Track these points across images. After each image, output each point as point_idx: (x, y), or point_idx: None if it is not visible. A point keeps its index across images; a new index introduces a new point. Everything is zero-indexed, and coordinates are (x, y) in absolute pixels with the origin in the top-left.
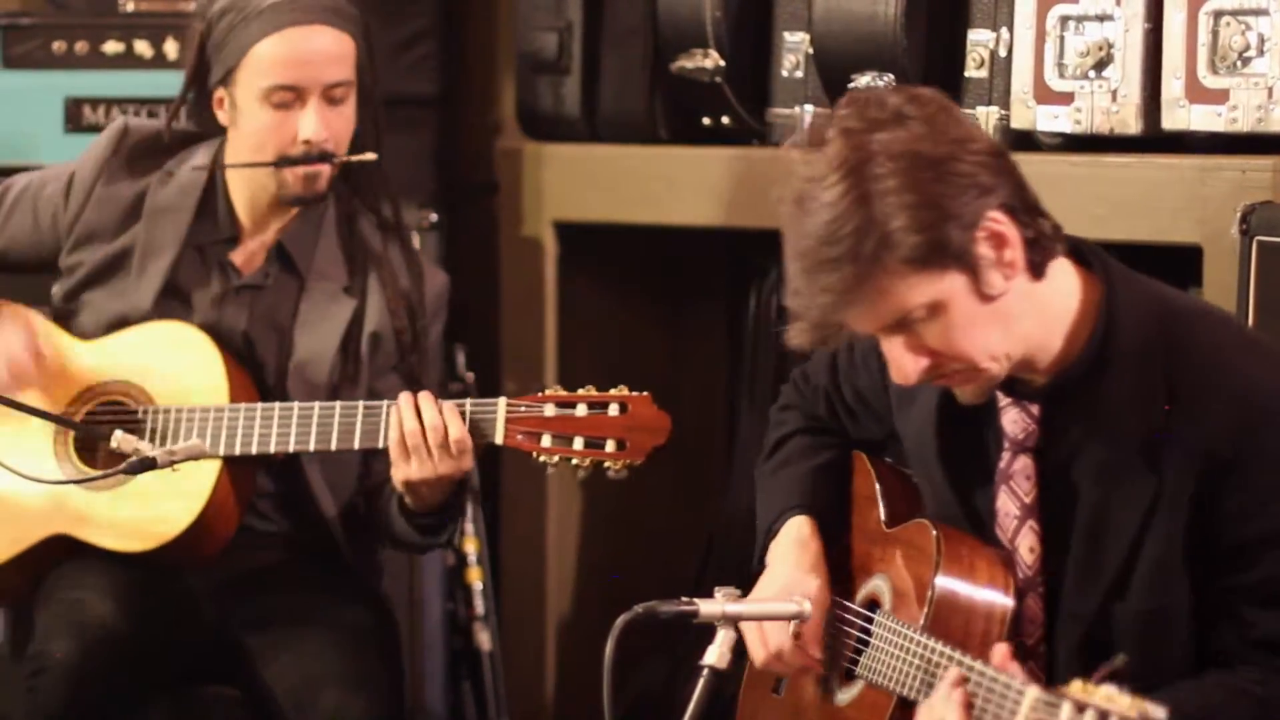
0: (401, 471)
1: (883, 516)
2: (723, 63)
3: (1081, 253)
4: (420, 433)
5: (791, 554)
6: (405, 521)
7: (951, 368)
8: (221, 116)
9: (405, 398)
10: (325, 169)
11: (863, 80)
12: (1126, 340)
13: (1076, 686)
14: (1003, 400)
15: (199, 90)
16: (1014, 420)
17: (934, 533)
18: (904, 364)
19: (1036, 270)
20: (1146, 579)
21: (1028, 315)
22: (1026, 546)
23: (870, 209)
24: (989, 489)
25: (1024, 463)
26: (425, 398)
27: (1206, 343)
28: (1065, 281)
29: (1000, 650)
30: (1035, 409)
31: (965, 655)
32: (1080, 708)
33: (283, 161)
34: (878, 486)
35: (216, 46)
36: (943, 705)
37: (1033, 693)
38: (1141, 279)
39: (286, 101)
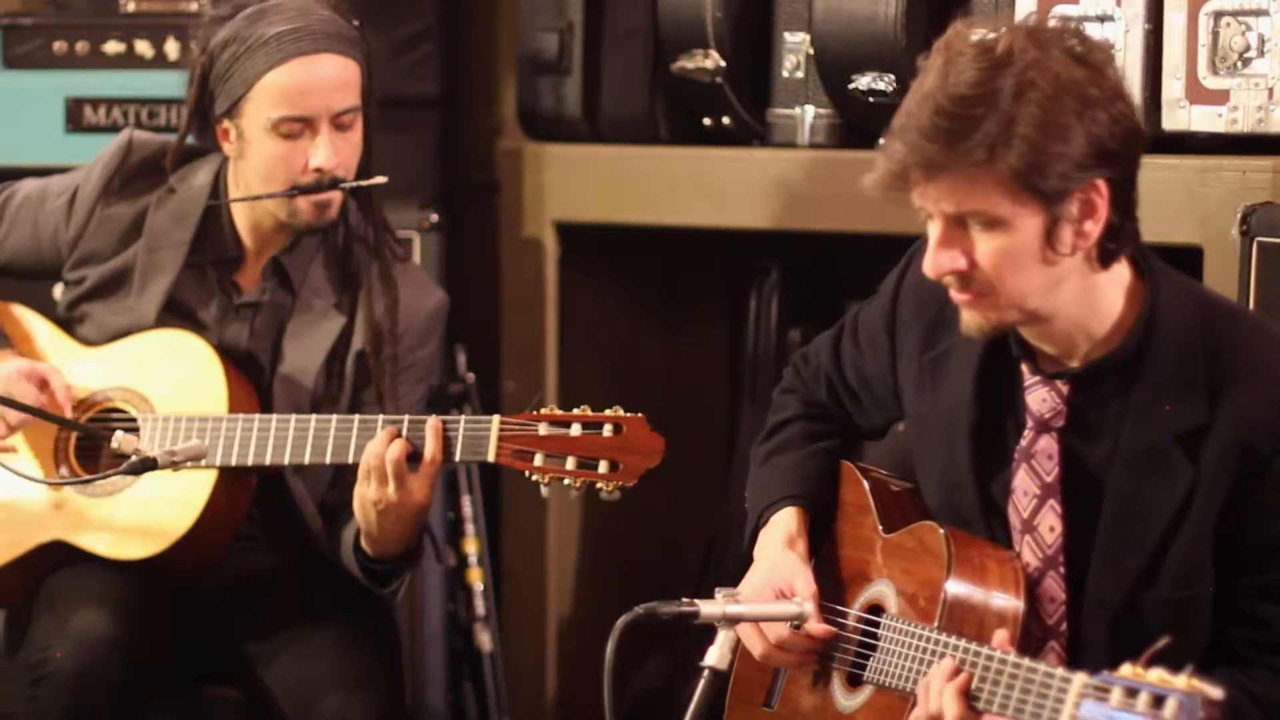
0: (359, 491)
1: (878, 523)
2: (723, 63)
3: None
4: (382, 457)
5: (779, 548)
6: (357, 564)
7: (977, 288)
8: (228, 148)
9: (390, 430)
10: (337, 196)
11: (863, 80)
12: (1168, 334)
13: (1126, 670)
14: (1029, 379)
15: (201, 122)
16: (1042, 399)
17: (943, 535)
18: (940, 258)
19: (1105, 257)
20: (1177, 568)
21: (1074, 290)
22: (1047, 525)
23: (1013, 104)
24: (1005, 471)
25: (1047, 442)
26: (390, 431)
27: (1247, 343)
28: (1119, 274)
29: (1000, 635)
30: (1065, 389)
31: (987, 648)
32: (1132, 691)
33: (294, 190)
34: (869, 494)
35: (219, 79)
36: (939, 698)
37: (1080, 679)
38: (1183, 278)
39: (295, 132)
